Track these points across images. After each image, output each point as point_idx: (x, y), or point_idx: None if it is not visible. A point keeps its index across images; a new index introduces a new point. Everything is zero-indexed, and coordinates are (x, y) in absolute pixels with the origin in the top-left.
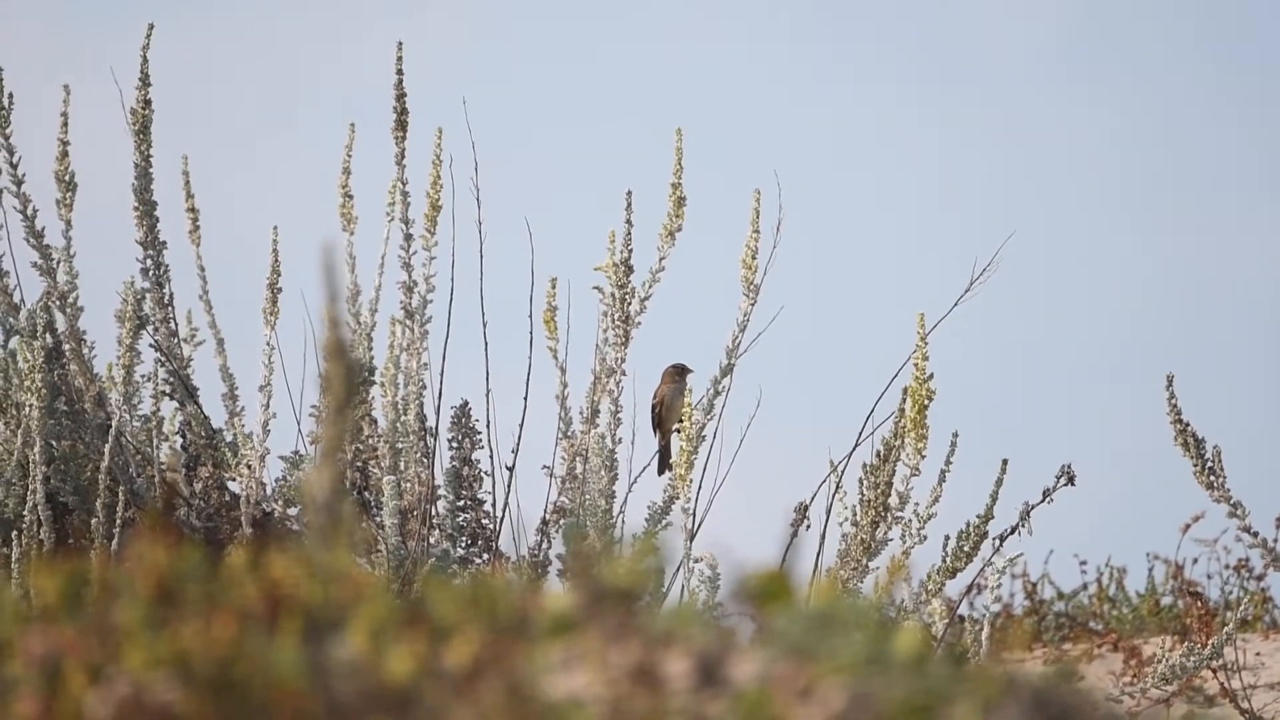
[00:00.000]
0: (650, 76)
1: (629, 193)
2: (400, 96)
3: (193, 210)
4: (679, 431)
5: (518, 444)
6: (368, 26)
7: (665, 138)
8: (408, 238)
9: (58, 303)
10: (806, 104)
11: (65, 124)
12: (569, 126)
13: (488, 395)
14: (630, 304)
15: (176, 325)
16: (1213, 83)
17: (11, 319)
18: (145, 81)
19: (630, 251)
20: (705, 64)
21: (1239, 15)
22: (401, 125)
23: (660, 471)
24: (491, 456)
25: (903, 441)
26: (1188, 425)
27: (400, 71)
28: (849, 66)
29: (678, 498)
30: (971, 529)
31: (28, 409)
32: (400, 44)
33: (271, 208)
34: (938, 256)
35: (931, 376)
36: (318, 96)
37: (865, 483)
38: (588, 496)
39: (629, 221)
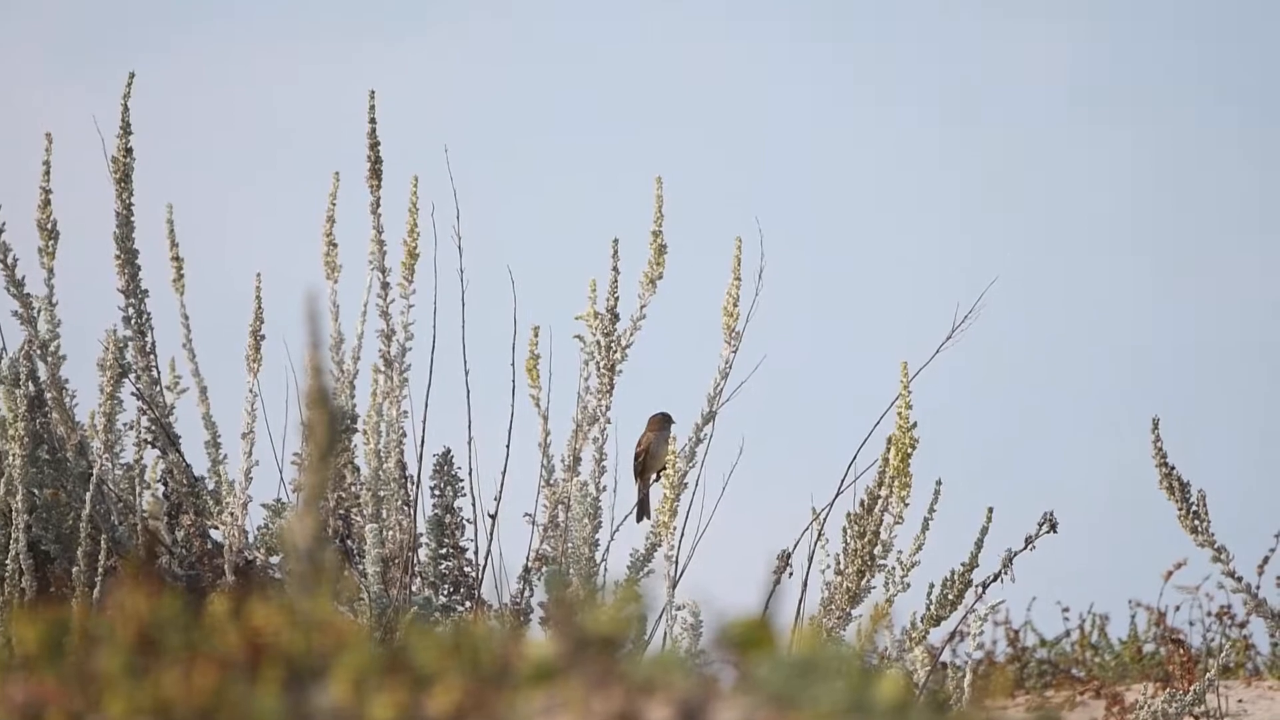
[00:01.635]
0: (634, 122)
1: (615, 241)
2: (374, 146)
3: (177, 259)
4: (659, 480)
5: (500, 492)
6: (354, 74)
7: (648, 185)
8: (385, 286)
9: (39, 351)
10: (792, 149)
11: (47, 172)
12: (551, 174)
13: (470, 443)
14: (615, 352)
15: (159, 373)
16: (1193, 129)
17: None
18: (126, 130)
19: (616, 300)
20: (690, 107)
21: (1232, 56)
22: (376, 174)
23: (639, 519)
24: (474, 504)
25: (890, 491)
26: (1173, 469)
27: (373, 121)
28: (834, 113)
29: (660, 545)
30: (956, 577)
31: (10, 457)
32: (373, 93)
33: (257, 256)
34: (921, 303)
35: (915, 425)
36: (303, 144)
37: (850, 531)
38: (570, 544)
39: (615, 269)
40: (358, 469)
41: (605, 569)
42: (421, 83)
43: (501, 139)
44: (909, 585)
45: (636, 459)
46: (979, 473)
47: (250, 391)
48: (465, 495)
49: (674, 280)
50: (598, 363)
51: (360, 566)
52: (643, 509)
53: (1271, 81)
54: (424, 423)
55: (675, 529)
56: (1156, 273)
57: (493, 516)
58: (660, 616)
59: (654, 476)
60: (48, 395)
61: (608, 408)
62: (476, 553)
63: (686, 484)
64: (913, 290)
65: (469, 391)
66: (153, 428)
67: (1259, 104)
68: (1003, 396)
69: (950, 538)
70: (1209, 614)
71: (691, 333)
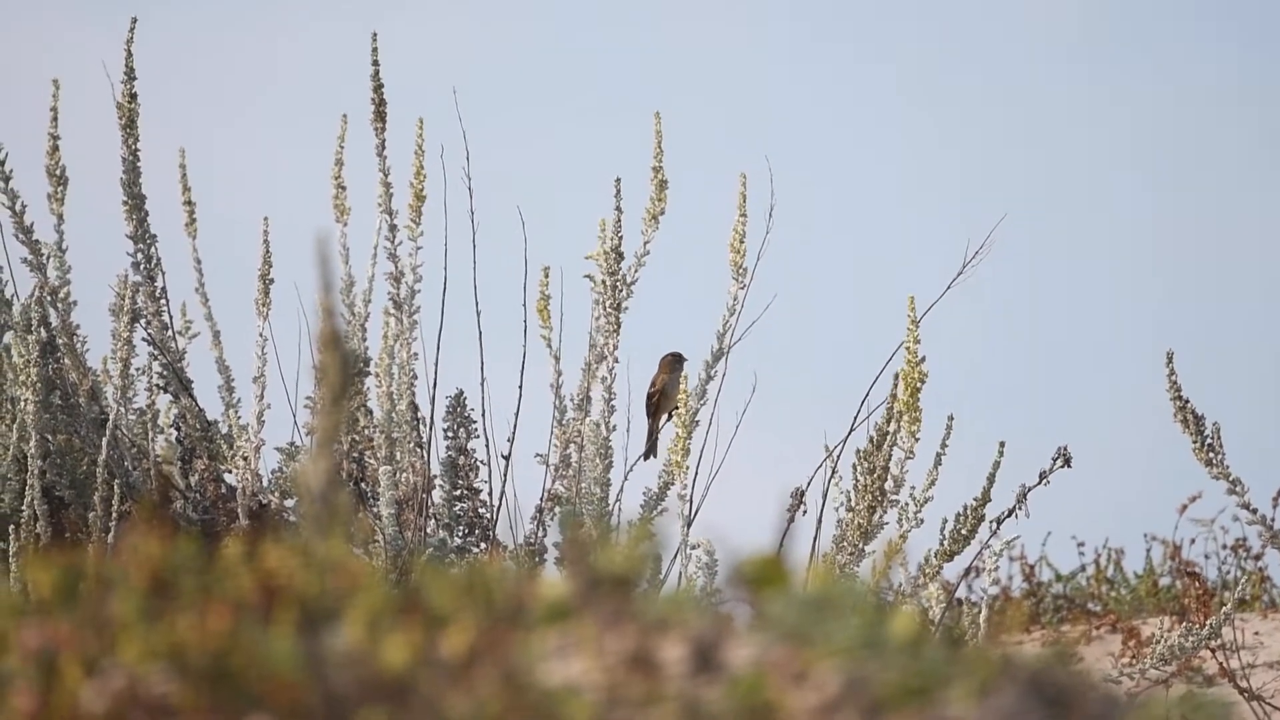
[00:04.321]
0: (649, 61)
1: (618, 180)
2: (378, 88)
3: (189, 203)
4: (671, 420)
5: (513, 432)
6: (366, 17)
7: (662, 122)
8: (392, 229)
9: (50, 297)
10: (804, 88)
11: (55, 118)
12: (564, 114)
13: (483, 384)
14: (621, 290)
15: (171, 318)
16: (1202, 69)
17: (4, 314)
18: (130, 75)
19: (620, 239)
20: (704, 46)
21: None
22: (380, 116)
23: (646, 458)
24: (487, 445)
25: (898, 425)
26: (1187, 402)
27: (376, 63)
28: (844, 47)
29: (673, 484)
30: (969, 512)
31: (23, 404)
32: (375, 35)
33: (270, 200)
34: (934, 241)
35: (924, 360)
36: (318, 87)
37: (860, 467)
38: (583, 484)
39: (618, 209)
40: (370, 412)
41: (619, 509)
42: (431, 25)
43: (511, 80)
44: (922, 521)
45: (649, 399)
46: (993, 409)
47: (261, 335)
48: (478, 437)
49: (687, 219)
50: (603, 302)
51: (375, 509)
52: (651, 448)
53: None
54: (436, 365)
55: (688, 468)
56: (1168, 207)
57: (506, 457)
58: (674, 555)
59: (666, 416)
60: (59, 341)
61: (615, 346)
62: (490, 494)
63: (699, 422)
64: (925, 228)
65: (481, 333)
66: (165, 373)
67: (1266, 43)
68: (1017, 332)
69: (965, 474)
70: (1224, 547)
71: (706, 271)
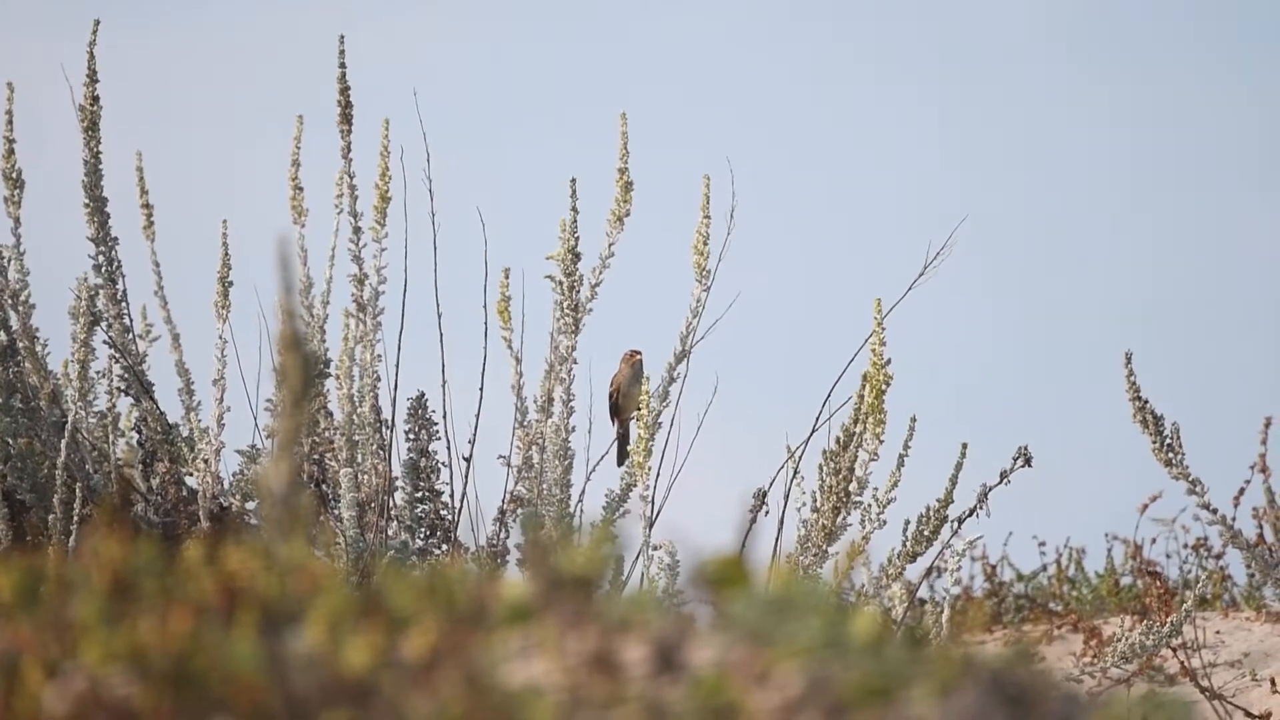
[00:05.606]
0: (611, 62)
1: (573, 180)
2: (344, 90)
3: (147, 206)
4: (636, 419)
5: (474, 434)
6: (323, 20)
7: (628, 124)
8: (357, 230)
9: (9, 300)
10: (766, 84)
11: (11, 121)
12: (525, 115)
13: (444, 386)
14: (579, 291)
15: (131, 321)
16: (1166, 76)
17: None
18: (92, 78)
19: (577, 239)
20: (666, 46)
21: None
22: (346, 118)
23: (620, 461)
24: (449, 447)
25: (865, 427)
26: (1146, 402)
27: (343, 65)
28: (807, 45)
29: (636, 485)
30: (932, 513)
31: None
32: (342, 37)
33: (229, 203)
34: (895, 242)
35: (889, 361)
36: (273, 90)
37: (826, 469)
38: (545, 485)
39: (574, 209)
40: (331, 414)
41: (581, 510)
42: (389, 29)
43: (471, 82)
44: (885, 522)
45: (611, 398)
46: (954, 409)
47: (220, 338)
48: (440, 438)
49: (649, 220)
50: (562, 302)
51: (336, 511)
52: (622, 448)
53: (1248, 35)
54: (397, 366)
55: (650, 469)
56: (1126, 207)
57: (467, 459)
58: (636, 556)
59: (631, 415)
60: (19, 344)
61: (573, 347)
62: (452, 496)
63: (661, 423)
64: (886, 229)
65: (442, 334)
66: (125, 376)
67: (1230, 55)
68: (978, 333)
69: (926, 474)
70: (1185, 546)
71: (666, 272)
